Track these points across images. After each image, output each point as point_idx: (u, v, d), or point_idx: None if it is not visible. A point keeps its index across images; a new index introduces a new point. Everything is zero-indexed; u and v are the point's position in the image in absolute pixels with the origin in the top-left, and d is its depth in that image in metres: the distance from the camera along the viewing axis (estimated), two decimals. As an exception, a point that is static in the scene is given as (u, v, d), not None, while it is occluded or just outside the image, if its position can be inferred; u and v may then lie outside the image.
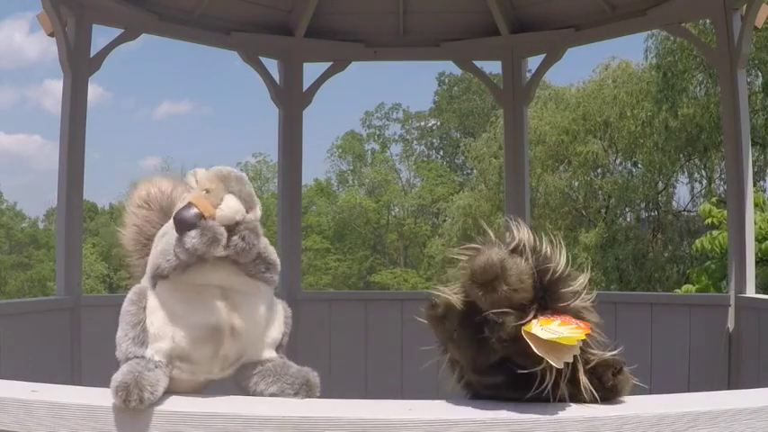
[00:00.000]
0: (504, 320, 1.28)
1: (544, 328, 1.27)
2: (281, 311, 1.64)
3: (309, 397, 1.51)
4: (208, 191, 1.51)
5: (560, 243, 1.39)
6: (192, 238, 1.44)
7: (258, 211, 1.56)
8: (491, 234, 1.40)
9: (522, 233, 1.37)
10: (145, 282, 1.55)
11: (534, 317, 1.31)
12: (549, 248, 1.37)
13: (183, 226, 1.46)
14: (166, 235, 1.52)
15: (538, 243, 1.37)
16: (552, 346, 1.25)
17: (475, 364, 1.35)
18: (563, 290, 1.34)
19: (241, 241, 1.49)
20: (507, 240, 1.38)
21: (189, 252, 1.44)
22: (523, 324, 1.29)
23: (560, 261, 1.36)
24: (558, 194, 23.28)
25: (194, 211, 1.46)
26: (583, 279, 1.38)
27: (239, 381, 1.58)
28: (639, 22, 5.27)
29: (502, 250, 1.34)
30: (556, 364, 1.25)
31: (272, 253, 1.58)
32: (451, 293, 1.38)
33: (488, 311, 1.29)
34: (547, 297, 1.33)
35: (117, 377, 1.36)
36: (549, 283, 1.34)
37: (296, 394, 1.51)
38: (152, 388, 1.36)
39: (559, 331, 1.26)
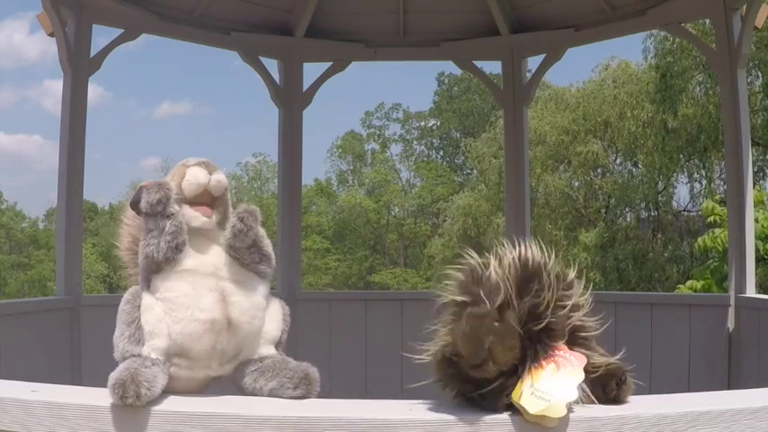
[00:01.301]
0: (494, 404, 1.28)
1: (534, 390, 1.24)
2: (279, 309, 1.65)
3: (309, 391, 1.50)
4: (172, 178, 1.57)
5: (545, 248, 1.33)
6: (143, 200, 1.50)
7: (221, 174, 1.59)
8: (476, 265, 1.32)
9: (506, 267, 1.30)
10: (141, 283, 1.56)
11: (528, 368, 1.27)
12: (539, 276, 1.30)
13: (134, 203, 1.53)
14: None
15: (526, 273, 1.30)
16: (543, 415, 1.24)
17: (472, 393, 1.34)
18: (555, 328, 1.29)
19: (239, 222, 1.52)
20: (492, 287, 1.28)
21: (148, 213, 1.49)
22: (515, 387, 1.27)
23: (552, 289, 1.29)
24: (558, 194, 23.28)
25: (141, 189, 1.53)
26: (575, 297, 1.33)
27: (237, 379, 1.57)
28: (639, 22, 5.26)
29: (489, 321, 1.25)
30: (549, 425, 1.24)
31: (268, 245, 1.59)
32: (441, 342, 1.34)
33: (476, 392, 1.29)
34: (538, 346, 1.29)
35: (113, 375, 1.37)
36: (538, 332, 1.28)
37: (295, 389, 1.50)
38: (149, 384, 1.36)
39: (549, 393, 1.23)
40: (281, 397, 1.51)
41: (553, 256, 1.34)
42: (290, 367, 1.54)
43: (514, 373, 1.28)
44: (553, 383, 1.24)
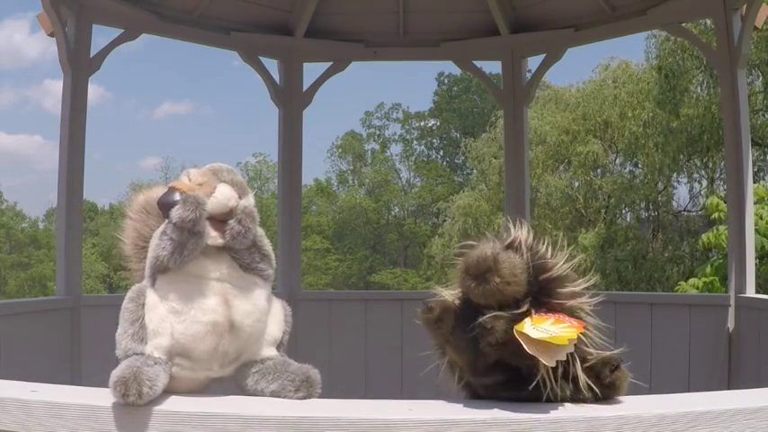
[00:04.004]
0: (494, 326, 1.28)
1: (536, 327, 1.27)
2: (281, 309, 1.65)
3: (311, 394, 1.51)
4: (200, 185, 1.54)
5: (563, 245, 1.39)
6: (177, 210, 1.47)
7: (251, 199, 1.59)
8: (489, 234, 1.41)
9: (520, 231, 1.39)
10: (145, 281, 1.55)
11: (527, 312, 1.31)
12: (547, 248, 1.38)
13: (166, 207, 1.50)
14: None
15: (536, 242, 1.38)
16: (544, 345, 1.25)
17: (472, 366, 1.35)
18: (559, 288, 1.35)
19: (237, 224, 1.52)
20: (504, 238, 1.39)
21: (178, 227, 1.47)
22: (516, 323, 1.29)
23: (558, 261, 1.36)
24: (558, 194, 23.28)
25: (174, 191, 1.50)
26: (583, 282, 1.38)
27: (239, 380, 1.57)
28: (639, 22, 5.26)
29: (496, 245, 1.35)
30: (548, 363, 1.25)
31: (267, 245, 1.60)
32: (448, 293, 1.39)
33: (479, 319, 1.30)
34: (541, 293, 1.33)
35: (116, 372, 1.36)
36: (544, 280, 1.34)
37: (297, 391, 1.51)
38: (151, 383, 1.35)
39: (551, 330, 1.26)
40: (283, 398, 1.51)
41: (564, 256, 1.38)
42: (291, 370, 1.54)
43: (516, 307, 1.31)
44: (554, 327, 1.28)
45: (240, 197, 1.56)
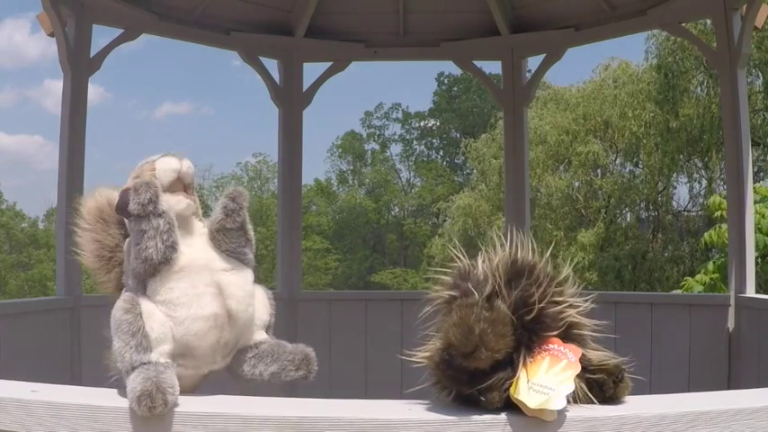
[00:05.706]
0: (489, 398, 1.28)
1: (532, 386, 1.25)
2: (264, 292, 1.67)
3: (310, 371, 1.54)
4: (137, 177, 1.55)
5: (534, 247, 1.35)
6: (132, 202, 1.46)
7: (190, 162, 1.59)
8: (464, 264, 1.35)
9: (494, 263, 1.32)
10: (129, 291, 1.52)
11: (522, 360, 1.28)
12: (529, 272, 1.32)
13: (121, 207, 1.49)
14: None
15: (515, 269, 1.32)
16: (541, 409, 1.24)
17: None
18: (548, 321, 1.31)
19: (231, 202, 1.53)
20: (480, 280, 1.31)
21: (142, 215, 1.46)
22: (512, 379, 1.27)
23: (543, 286, 1.31)
24: (558, 195, 23.28)
25: (124, 192, 1.50)
26: (569, 296, 1.34)
27: (235, 368, 1.57)
28: (639, 22, 5.26)
29: (478, 309, 1.27)
30: (548, 419, 1.24)
31: (251, 230, 1.61)
32: (432, 351, 1.36)
33: (473, 389, 1.28)
34: (532, 335, 1.30)
35: (135, 387, 1.33)
36: (531, 321, 1.30)
37: (297, 370, 1.53)
38: (172, 389, 1.35)
39: (547, 387, 1.24)
40: (282, 380, 1.53)
41: (546, 256, 1.35)
42: (288, 350, 1.57)
43: (509, 366, 1.28)
44: (550, 377, 1.25)
45: (180, 159, 1.57)
